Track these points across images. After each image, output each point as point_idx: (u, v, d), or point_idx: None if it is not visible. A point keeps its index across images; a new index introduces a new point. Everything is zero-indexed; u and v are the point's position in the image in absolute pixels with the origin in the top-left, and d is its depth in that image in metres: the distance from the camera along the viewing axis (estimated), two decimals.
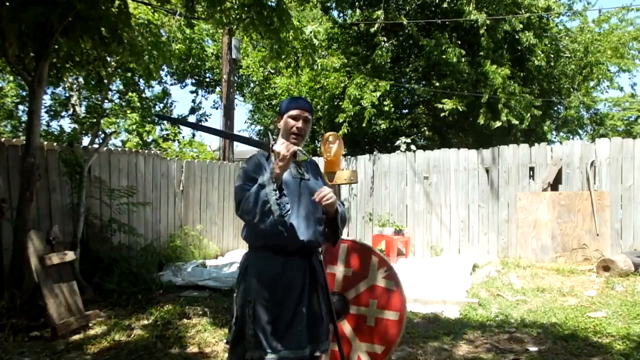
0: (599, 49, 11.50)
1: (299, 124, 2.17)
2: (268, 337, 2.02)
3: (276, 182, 1.96)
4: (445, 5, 9.96)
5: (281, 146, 1.98)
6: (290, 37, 5.94)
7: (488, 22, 9.26)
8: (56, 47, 5.01)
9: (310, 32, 6.59)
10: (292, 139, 2.15)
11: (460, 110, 9.70)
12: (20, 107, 12.57)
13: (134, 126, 12.18)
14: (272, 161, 2.13)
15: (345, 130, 10.07)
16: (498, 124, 9.38)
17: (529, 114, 9.58)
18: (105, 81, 6.45)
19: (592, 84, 12.48)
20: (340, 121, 10.18)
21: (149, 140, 12.79)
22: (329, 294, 2.30)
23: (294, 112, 2.18)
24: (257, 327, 2.04)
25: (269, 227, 1.97)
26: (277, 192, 1.95)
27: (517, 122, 9.35)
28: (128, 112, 12.39)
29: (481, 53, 9.55)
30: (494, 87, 9.27)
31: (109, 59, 5.92)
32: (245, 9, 5.26)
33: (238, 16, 5.45)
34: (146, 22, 6.48)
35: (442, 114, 9.91)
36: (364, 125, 10.09)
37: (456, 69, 9.55)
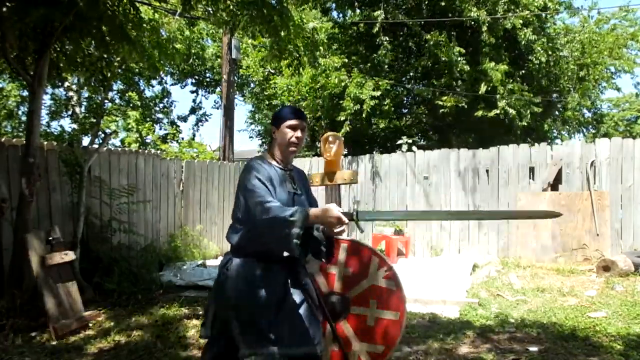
0: (596, 50, 11.51)
1: (298, 133, 2.22)
2: (257, 337, 2.07)
3: (305, 225, 1.98)
4: (443, 3, 9.98)
5: (335, 216, 1.98)
6: (292, 35, 5.91)
7: (488, 20, 9.28)
8: (58, 47, 5.01)
9: (312, 29, 6.57)
10: (292, 148, 2.22)
11: (460, 106, 9.71)
12: (21, 107, 12.57)
13: (134, 124, 12.17)
14: (277, 173, 2.20)
15: (347, 129, 10.07)
16: (496, 111, 9.37)
17: (528, 112, 9.59)
18: (106, 83, 6.45)
19: (590, 84, 12.49)
20: (342, 119, 10.18)
21: (148, 140, 12.80)
22: (317, 295, 2.34)
23: (292, 122, 2.21)
24: (244, 328, 2.09)
25: (278, 253, 2.06)
26: (300, 236, 1.95)
27: (513, 112, 9.35)
28: (128, 111, 12.39)
29: (484, 50, 9.57)
30: (493, 83, 9.30)
31: (112, 59, 5.91)
32: (245, 7, 5.26)
33: (238, 13, 5.44)
34: (148, 20, 6.47)
35: (442, 111, 9.94)
36: (363, 116, 10.08)
37: (455, 67, 9.56)
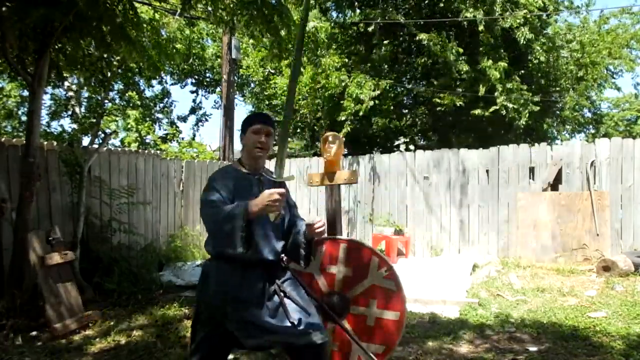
0: (596, 50, 11.50)
1: (262, 138, 2.27)
2: (254, 330, 2.14)
3: (247, 218, 2.03)
4: (442, 4, 9.98)
5: (272, 195, 2.02)
6: (293, 35, 5.89)
7: (485, 20, 9.28)
8: (58, 47, 5.01)
9: (313, 27, 6.55)
10: (257, 153, 2.28)
11: (458, 105, 9.72)
12: (21, 107, 12.57)
13: (134, 123, 12.16)
14: (242, 179, 2.26)
15: (348, 129, 10.08)
16: (495, 107, 9.39)
17: (526, 111, 9.60)
18: (106, 83, 6.45)
19: (589, 84, 12.48)
20: (342, 119, 10.18)
21: (147, 140, 12.78)
22: (305, 289, 2.38)
23: (256, 127, 2.28)
24: (240, 324, 2.15)
25: (229, 252, 2.07)
26: (244, 228, 2.01)
27: (512, 106, 9.36)
28: (128, 110, 12.37)
29: (481, 49, 9.57)
30: (491, 82, 9.30)
31: (111, 59, 5.90)
32: (245, 6, 5.25)
33: (238, 12, 5.44)
34: (148, 20, 6.47)
35: (439, 109, 9.93)
36: (361, 114, 10.09)
37: (454, 67, 9.57)
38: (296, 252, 2.36)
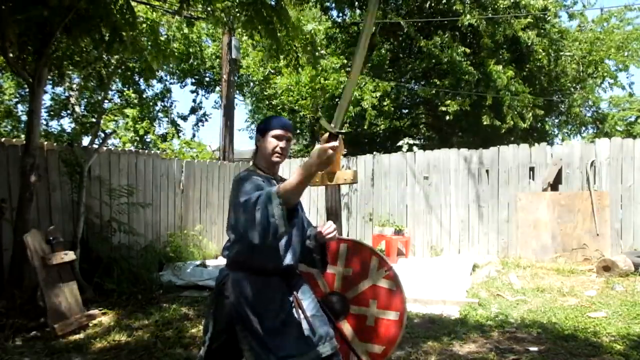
0: (603, 47, 11.49)
1: (282, 144, 2.16)
2: (267, 348, 2.03)
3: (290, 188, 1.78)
4: (441, 6, 9.99)
5: (325, 150, 1.67)
6: (293, 35, 5.87)
7: (484, 23, 9.29)
8: (56, 46, 5.01)
9: (311, 30, 6.58)
10: (276, 158, 2.16)
11: (463, 110, 9.73)
12: (20, 106, 12.56)
13: (132, 122, 12.15)
14: (265, 182, 2.10)
15: (347, 130, 10.09)
16: (504, 126, 9.47)
17: (530, 114, 9.60)
18: (105, 82, 6.45)
19: (595, 82, 12.45)
20: None
21: (147, 140, 12.76)
22: (316, 301, 2.30)
23: (278, 132, 2.15)
24: (252, 340, 2.05)
25: (268, 241, 1.80)
26: (282, 206, 1.79)
27: (521, 124, 9.43)
28: (126, 110, 12.36)
29: (482, 54, 9.57)
30: (497, 87, 9.29)
31: (109, 58, 5.90)
32: (244, 7, 5.25)
33: (237, 14, 5.45)
34: (145, 19, 6.47)
35: (448, 118, 9.93)
36: (365, 127, 10.13)
37: (458, 67, 9.56)
38: (309, 256, 2.29)
